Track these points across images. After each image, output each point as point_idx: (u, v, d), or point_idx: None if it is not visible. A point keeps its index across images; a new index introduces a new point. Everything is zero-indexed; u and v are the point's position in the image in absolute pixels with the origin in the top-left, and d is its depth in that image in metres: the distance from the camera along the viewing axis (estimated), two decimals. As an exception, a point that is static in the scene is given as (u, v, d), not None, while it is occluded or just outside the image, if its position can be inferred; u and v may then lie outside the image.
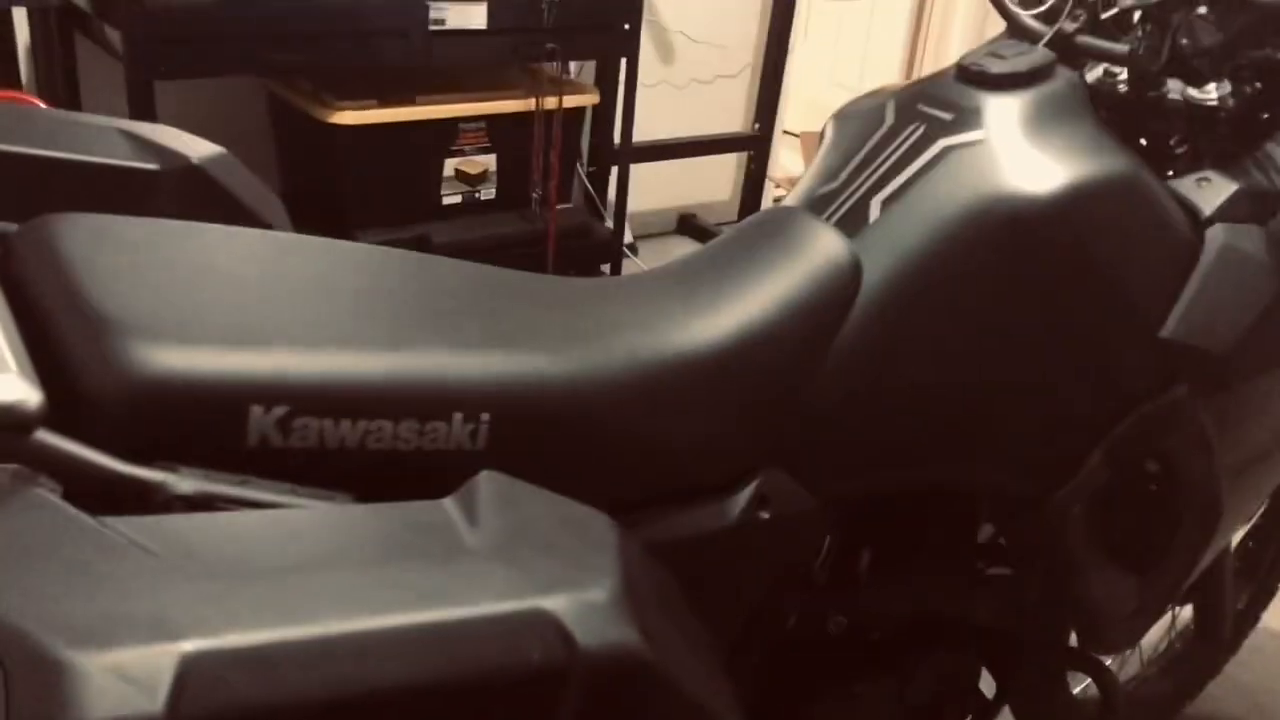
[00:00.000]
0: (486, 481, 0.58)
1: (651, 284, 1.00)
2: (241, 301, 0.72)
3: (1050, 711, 1.53)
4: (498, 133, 2.73)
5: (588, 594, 0.51)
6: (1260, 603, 1.81)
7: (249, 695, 0.41)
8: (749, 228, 1.05)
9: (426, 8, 2.41)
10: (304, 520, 0.54)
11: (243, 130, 2.83)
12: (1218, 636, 1.61)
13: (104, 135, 0.95)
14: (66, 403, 0.62)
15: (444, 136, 2.66)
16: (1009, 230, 0.97)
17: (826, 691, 1.10)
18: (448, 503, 0.57)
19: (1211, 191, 1.04)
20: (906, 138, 1.05)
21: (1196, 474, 1.08)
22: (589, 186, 3.07)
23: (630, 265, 3.14)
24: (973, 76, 1.06)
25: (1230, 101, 1.07)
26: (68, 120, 0.97)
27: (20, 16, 2.29)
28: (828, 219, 1.03)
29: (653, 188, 3.45)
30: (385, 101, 2.55)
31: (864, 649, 1.14)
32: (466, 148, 2.71)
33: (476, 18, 2.49)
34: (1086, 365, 1.01)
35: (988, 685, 1.28)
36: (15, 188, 0.84)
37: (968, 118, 1.03)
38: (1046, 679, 1.44)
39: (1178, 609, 1.74)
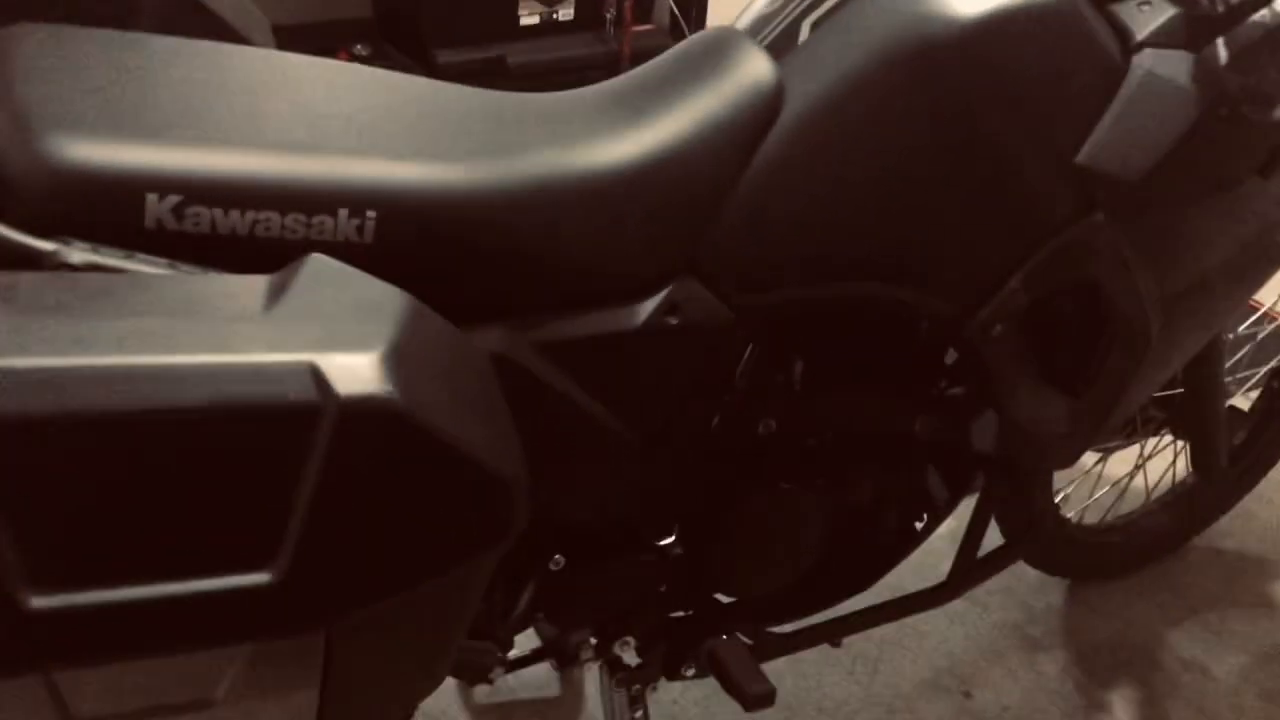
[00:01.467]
0: (309, 262, 0.68)
1: (583, 100, 1.06)
2: (157, 103, 0.82)
3: (1027, 516, 1.60)
4: (578, -50, 2.74)
5: (355, 354, 0.61)
6: (1280, 443, 1.81)
7: (28, 408, 0.53)
8: (684, 48, 1.09)
9: None
10: (136, 280, 0.65)
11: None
12: (1211, 471, 1.63)
13: (95, -48, 1.05)
14: (-8, 186, 0.74)
15: (522, -46, 2.69)
16: (926, 54, 0.99)
17: (756, 490, 1.20)
18: (266, 277, 0.67)
19: (1148, 15, 1.03)
20: (844, -42, 1.06)
21: (1120, 301, 1.10)
22: (674, 7, 3.06)
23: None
24: (916, -104, 1.05)
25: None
26: (63, -62, 1.07)
27: None
28: (762, 40, 1.06)
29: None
30: (463, -82, 2.59)
31: (797, 453, 1.22)
32: (545, -34, 2.74)
33: None
34: (1002, 191, 1.04)
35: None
36: (4, 3, 0.95)
37: (904, -61, 1.03)
38: (1021, 486, 1.50)
39: (1180, 444, 1.76)
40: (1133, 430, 1.61)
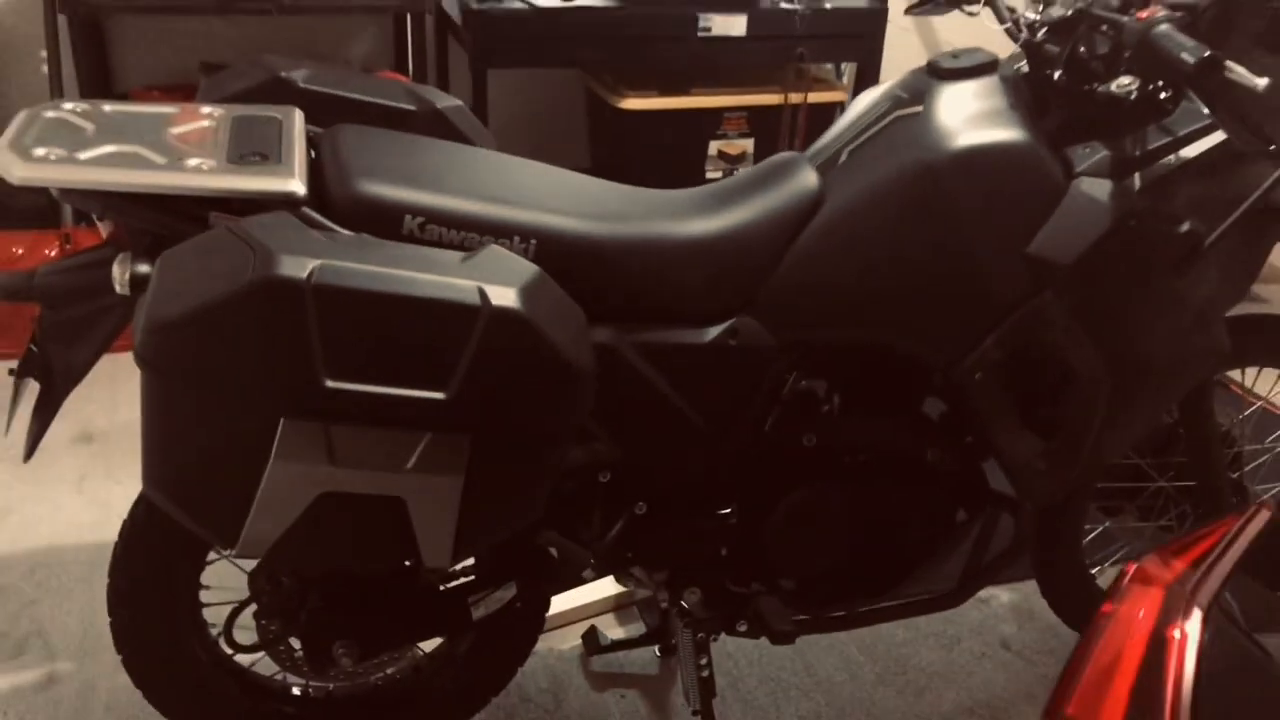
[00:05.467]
0: (490, 248, 1.20)
1: (688, 194, 1.57)
2: (416, 169, 1.38)
3: (1067, 570, 1.93)
4: (756, 120, 3.32)
5: (504, 286, 1.12)
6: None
7: (348, 285, 1.06)
8: (761, 166, 1.59)
9: (697, 19, 3.06)
10: (401, 247, 1.19)
11: (571, 115, 3.61)
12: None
13: (392, 88, 1.65)
14: (323, 203, 1.30)
15: (710, 122, 3.29)
16: (920, 175, 1.45)
17: (800, 486, 1.62)
18: (462, 254, 1.19)
19: (1086, 154, 1.45)
20: (878, 109, 1.55)
21: (1073, 360, 1.49)
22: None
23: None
24: (933, 70, 1.53)
25: (1133, 92, 1.46)
26: (374, 79, 1.68)
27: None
28: (814, 161, 1.55)
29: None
30: (665, 92, 3.21)
31: (835, 464, 1.63)
32: (729, 132, 3.33)
33: (737, 26, 3.10)
34: (977, 273, 1.47)
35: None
36: (336, 112, 1.55)
37: (918, 97, 1.51)
38: (1059, 540, 1.84)
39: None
40: (1150, 510, 1.93)
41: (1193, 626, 0.70)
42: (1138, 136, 1.48)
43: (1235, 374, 1.98)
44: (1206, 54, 1.22)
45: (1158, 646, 0.69)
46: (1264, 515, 0.90)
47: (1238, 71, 1.23)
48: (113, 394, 2.74)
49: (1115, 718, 0.69)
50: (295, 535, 1.14)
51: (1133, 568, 0.81)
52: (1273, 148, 1.30)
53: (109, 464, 2.50)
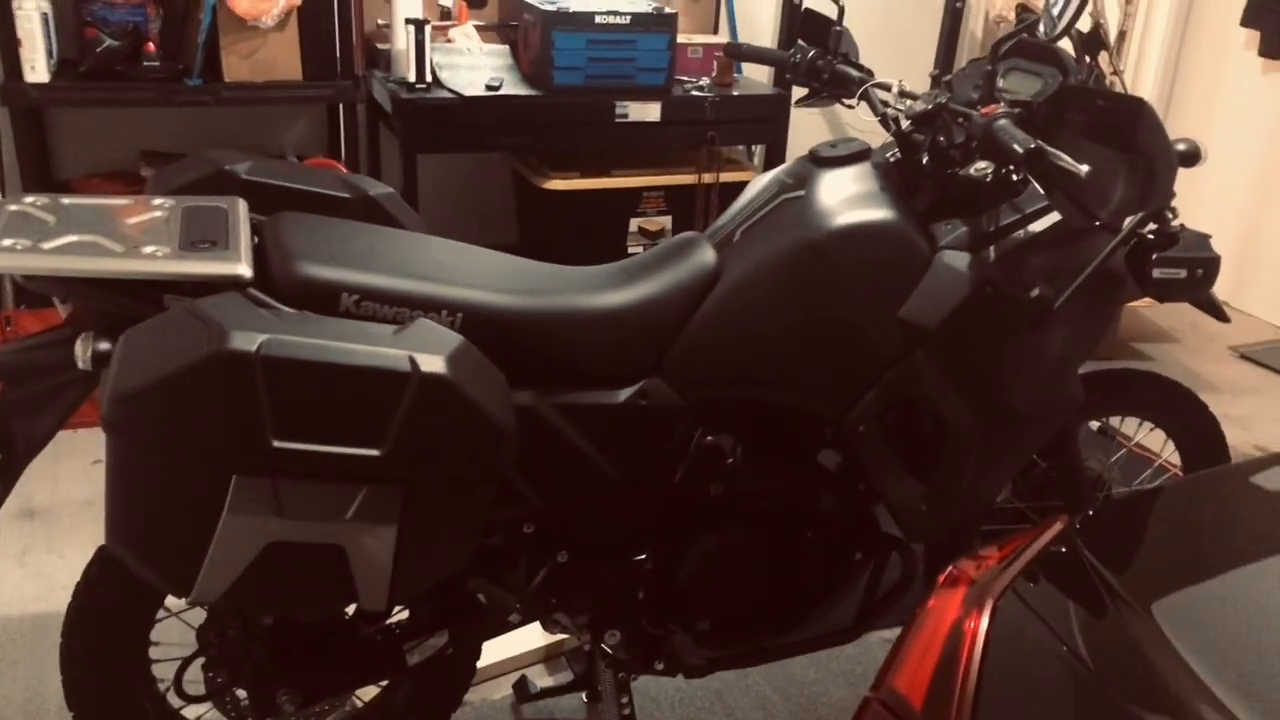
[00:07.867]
0: (419, 321, 1.35)
1: (602, 270, 1.74)
2: (351, 251, 1.53)
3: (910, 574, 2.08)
4: (673, 199, 3.52)
5: (432, 355, 1.27)
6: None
7: (294, 356, 1.20)
8: (666, 244, 1.77)
9: (614, 106, 3.26)
10: (339, 322, 1.33)
11: (499, 196, 3.79)
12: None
13: (328, 178, 1.80)
14: (267, 284, 1.45)
15: (630, 201, 3.49)
16: (802, 250, 1.63)
17: (710, 532, 1.77)
18: (394, 327, 1.34)
19: (949, 230, 1.66)
20: (767, 193, 1.74)
21: (944, 411, 1.67)
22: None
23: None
24: (814, 158, 1.73)
25: (989, 175, 1.67)
26: (311, 170, 1.83)
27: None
28: (712, 239, 1.74)
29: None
30: (586, 173, 3.41)
31: (741, 511, 1.79)
32: (648, 210, 3.53)
33: (652, 112, 3.31)
34: (856, 336, 1.65)
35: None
36: (277, 201, 1.70)
37: (801, 182, 1.70)
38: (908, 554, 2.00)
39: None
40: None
41: (984, 616, 0.86)
42: (993, 214, 1.69)
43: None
44: (1033, 145, 1.43)
45: (956, 633, 0.85)
46: (1058, 525, 1.07)
47: (1063, 159, 1.44)
48: (54, 471, 2.82)
49: (921, 693, 0.84)
50: (246, 582, 1.27)
51: (948, 570, 0.97)
52: (1097, 223, 1.51)
53: (50, 538, 2.57)
